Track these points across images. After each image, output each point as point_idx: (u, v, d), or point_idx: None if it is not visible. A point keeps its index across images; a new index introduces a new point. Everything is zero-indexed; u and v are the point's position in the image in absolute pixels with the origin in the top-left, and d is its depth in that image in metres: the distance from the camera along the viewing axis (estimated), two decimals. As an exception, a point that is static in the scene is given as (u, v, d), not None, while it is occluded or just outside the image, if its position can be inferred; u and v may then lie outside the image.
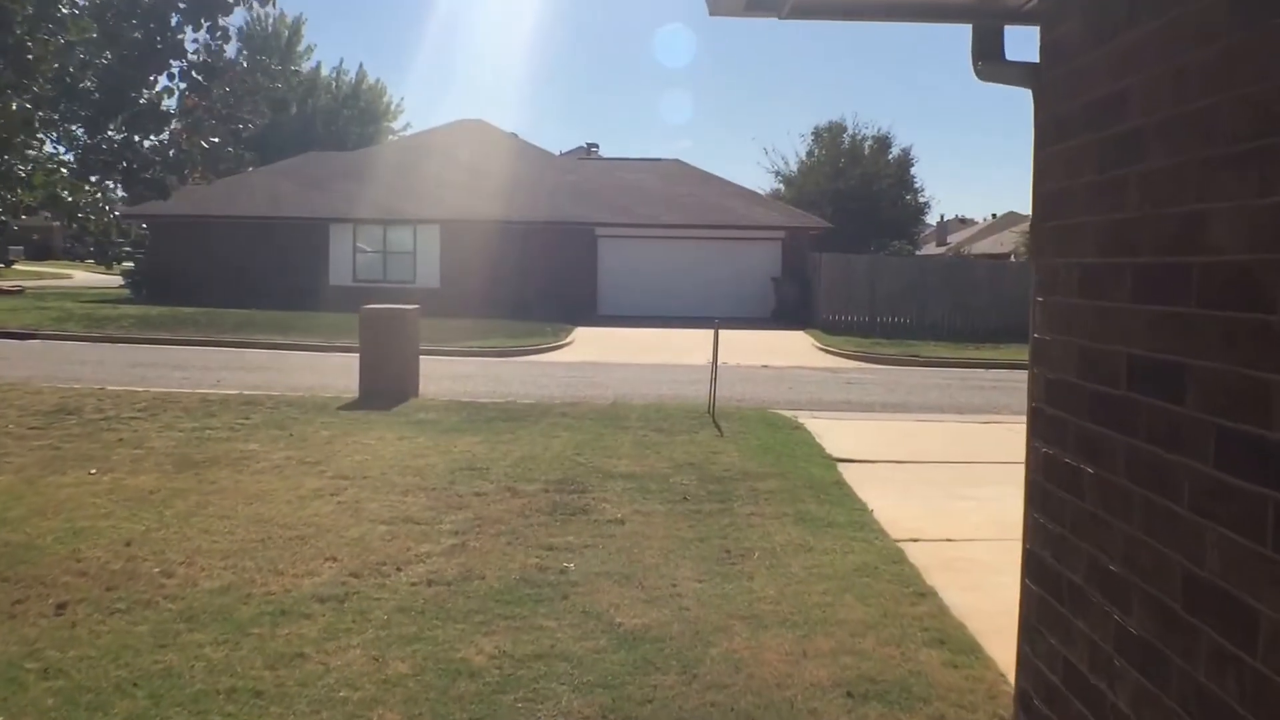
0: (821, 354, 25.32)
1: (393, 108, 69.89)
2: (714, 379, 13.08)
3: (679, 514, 7.96)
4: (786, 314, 32.49)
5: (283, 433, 11.03)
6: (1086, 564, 2.33)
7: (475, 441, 10.67)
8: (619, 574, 6.43)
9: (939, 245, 74.23)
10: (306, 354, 21.90)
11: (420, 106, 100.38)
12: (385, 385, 13.55)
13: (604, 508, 8.10)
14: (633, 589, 6.15)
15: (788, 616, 5.72)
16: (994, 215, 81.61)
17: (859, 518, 7.97)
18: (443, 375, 17.75)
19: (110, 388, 14.47)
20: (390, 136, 63.51)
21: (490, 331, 25.64)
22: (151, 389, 14.55)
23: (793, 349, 25.64)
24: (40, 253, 70.88)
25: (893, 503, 8.56)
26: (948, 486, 9.33)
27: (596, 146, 48.10)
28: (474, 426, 11.62)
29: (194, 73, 7.51)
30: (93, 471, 9.04)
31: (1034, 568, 2.74)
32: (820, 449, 10.88)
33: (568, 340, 25.80)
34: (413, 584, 6.19)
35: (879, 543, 7.28)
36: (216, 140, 8.06)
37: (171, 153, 8.08)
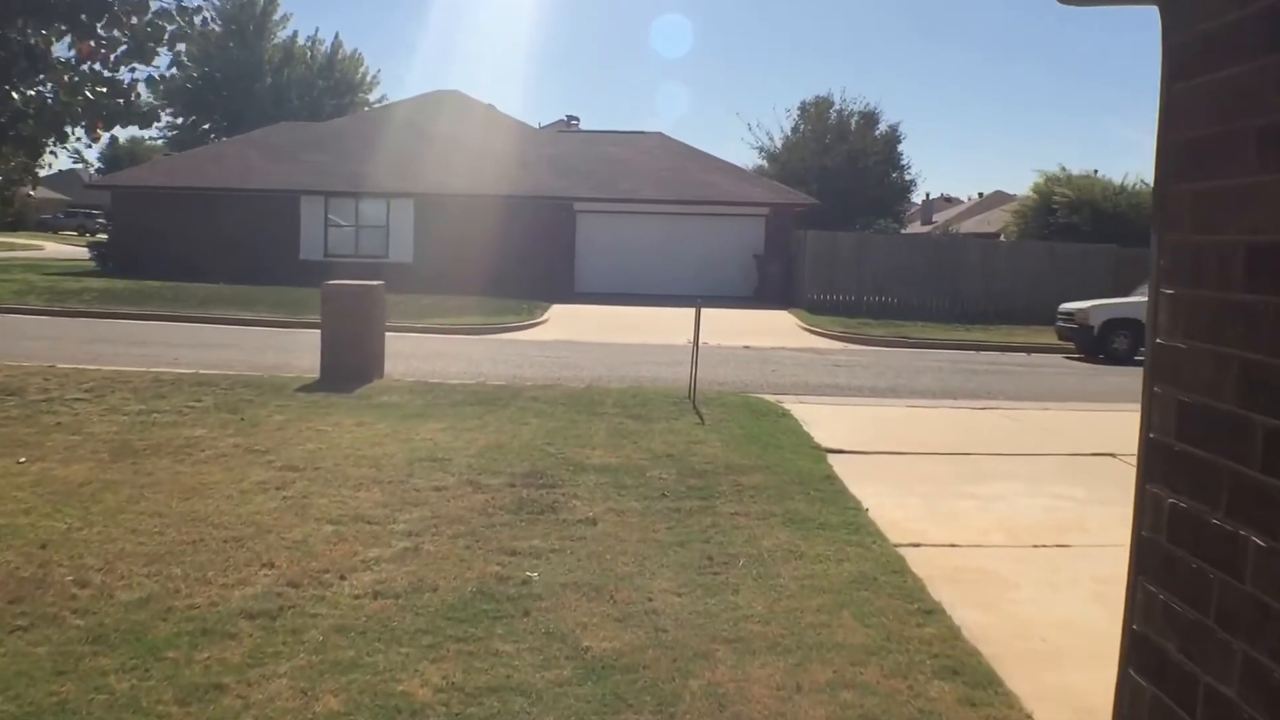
0: (806, 334, 24.67)
1: (369, 79, 68.87)
2: (695, 362, 12.36)
3: (656, 513, 7.27)
4: (770, 293, 31.78)
5: (234, 417, 10.28)
6: (1244, 673, 1.63)
7: (439, 428, 9.94)
8: (588, 585, 5.73)
9: (924, 224, 73.64)
10: (272, 330, 21.15)
11: (397, 78, 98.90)
12: (348, 365, 12.79)
13: (574, 505, 7.40)
14: (603, 604, 5.46)
15: (778, 639, 5.03)
16: (980, 194, 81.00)
17: (853, 518, 7.29)
18: (412, 354, 17.03)
19: (60, 366, 13.65)
20: (366, 108, 62.36)
21: (464, 308, 24.89)
22: (104, 367, 13.74)
23: (776, 329, 24.97)
24: (12, 224, 69.67)
25: (889, 501, 7.88)
26: (948, 482, 8.66)
27: (577, 120, 47.22)
28: (439, 411, 10.89)
29: (81, 14, 6.63)
30: (22, 460, 8.28)
31: (1146, 658, 2.01)
32: (809, 438, 10.19)
33: (544, 318, 25.08)
34: (356, 596, 5.48)
35: (877, 548, 6.60)
36: (105, 90, 7.13)
37: (50, 101, 7.12)
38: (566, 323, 24.56)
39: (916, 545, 6.77)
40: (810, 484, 8.22)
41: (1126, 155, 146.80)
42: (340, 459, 8.55)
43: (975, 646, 5.02)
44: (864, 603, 5.57)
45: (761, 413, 11.55)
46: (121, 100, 7.19)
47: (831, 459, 9.29)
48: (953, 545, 6.86)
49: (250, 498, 7.34)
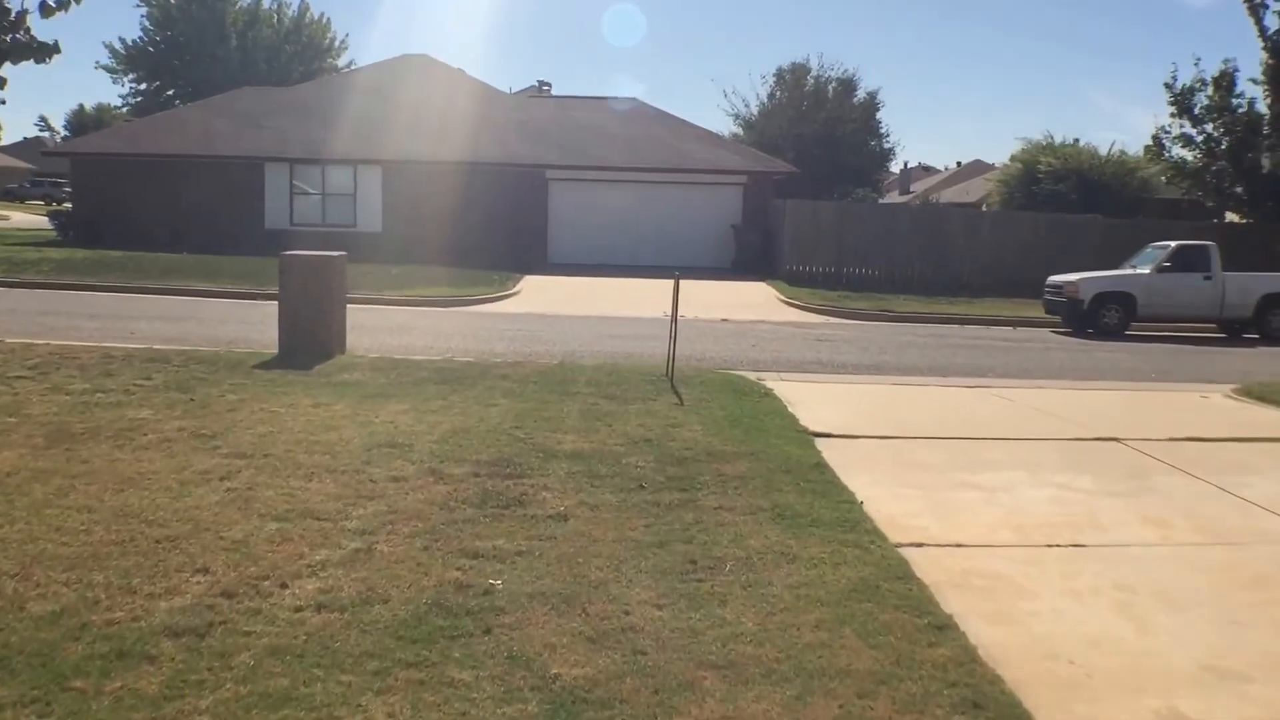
0: (786, 307, 24.12)
1: (337, 44, 67.36)
2: (673, 338, 11.72)
3: (633, 507, 6.66)
4: (747, 264, 31.14)
5: (183, 397, 9.59)
6: None
7: (401, 410, 9.29)
8: (558, 595, 5.13)
9: (902, 194, 73.10)
10: (235, 303, 20.43)
11: (365, 43, 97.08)
12: (308, 341, 12.11)
13: (544, 498, 6.78)
14: (574, 618, 4.86)
15: (773, 665, 4.44)
16: (959, 163, 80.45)
17: (848, 513, 6.69)
18: (378, 327, 16.37)
19: (8, 340, 12.90)
20: (334, 73, 61.02)
21: (433, 279, 24.20)
22: (54, 341, 12.99)
23: (755, 302, 24.41)
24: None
25: (885, 492, 7.30)
26: (946, 471, 8.08)
27: (549, 85, 46.35)
28: (402, 390, 10.23)
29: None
30: (-53, 446, 7.60)
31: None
32: (794, 420, 9.60)
33: (515, 290, 24.43)
34: (297, 609, 4.86)
35: (876, 549, 6.01)
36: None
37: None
38: (539, 295, 23.92)
39: (919, 545, 6.19)
40: (799, 473, 7.62)
41: (1106, 125, 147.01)
42: (292, 444, 7.89)
43: (996, 671, 4.44)
44: (867, 617, 4.99)
45: (743, 392, 10.95)
46: (10, 35, 6.42)
47: (820, 444, 8.70)
48: (958, 545, 6.28)
49: (191, 489, 6.69)
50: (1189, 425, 10.03)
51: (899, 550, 6.03)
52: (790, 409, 10.11)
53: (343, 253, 12.99)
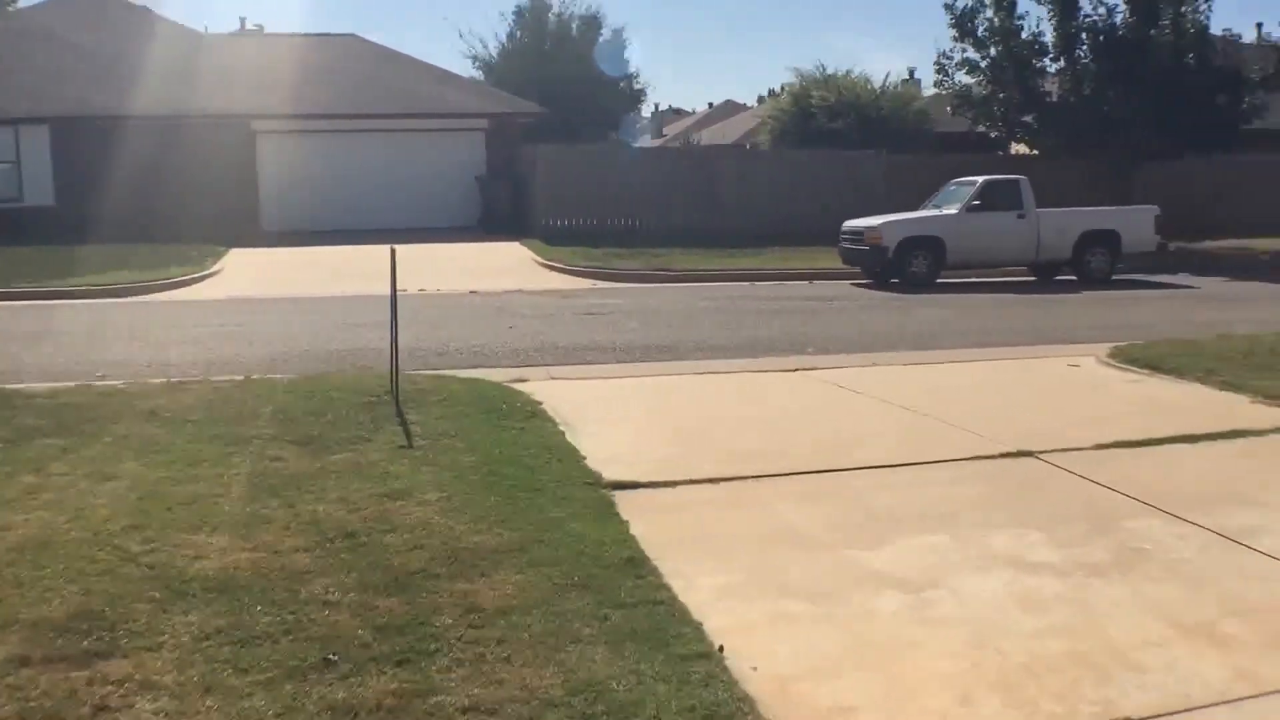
0: (545, 271, 20.98)
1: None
2: (394, 343, 8.25)
3: (306, 732, 3.40)
4: (497, 220, 27.69)
5: None
6: None
7: (-57, 505, 5.60)
8: None
9: (655, 138, 70.90)
10: None
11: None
12: None
13: (132, 721, 3.44)
14: None
15: None
16: (710, 105, 79.14)
17: (713, 690, 3.63)
18: (16, 333, 12.52)
19: None
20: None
21: (117, 261, 19.86)
22: None
23: (508, 266, 21.14)
24: None
25: (754, 612, 4.29)
26: (832, 544, 5.06)
27: (261, 26, 41.19)
28: (-28, 458, 6.49)
29: None
30: None
31: None
32: (577, 458, 6.46)
33: (216, 268, 20.36)
34: None
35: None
36: None
37: None
38: (247, 273, 19.97)
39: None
40: (604, 588, 4.49)
41: (849, 66, 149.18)
42: None
43: None
44: None
45: (501, 412, 7.67)
46: None
47: (623, 505, 5.60)
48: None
49: None
50: (1099, 420, 7.53)
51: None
52: (569, 436, 7.01)
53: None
